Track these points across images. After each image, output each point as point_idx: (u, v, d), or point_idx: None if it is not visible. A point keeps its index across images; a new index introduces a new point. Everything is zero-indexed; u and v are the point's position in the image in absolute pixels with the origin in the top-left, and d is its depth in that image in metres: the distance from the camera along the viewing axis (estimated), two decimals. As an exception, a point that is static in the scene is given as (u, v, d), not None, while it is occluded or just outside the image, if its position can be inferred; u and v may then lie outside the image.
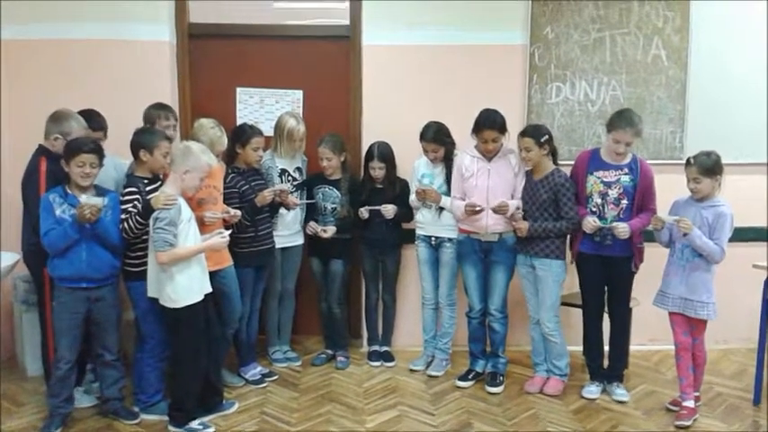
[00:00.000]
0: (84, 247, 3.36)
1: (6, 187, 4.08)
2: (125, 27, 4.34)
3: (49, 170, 3.47)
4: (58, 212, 3.33)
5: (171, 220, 3.25)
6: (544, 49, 4.46)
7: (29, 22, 4.31)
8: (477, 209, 3.86)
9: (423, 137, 4.10)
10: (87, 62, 4.36)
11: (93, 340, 3.55)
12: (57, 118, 3.55)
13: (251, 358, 4.17)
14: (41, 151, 3.56)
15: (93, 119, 3.73)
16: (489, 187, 3.92)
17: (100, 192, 3.43)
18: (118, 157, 3.80)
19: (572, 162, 4.07)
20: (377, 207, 4.17)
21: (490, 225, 3.93)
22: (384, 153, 4.22)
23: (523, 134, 3.85)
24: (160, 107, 3.94)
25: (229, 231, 3.48)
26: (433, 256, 4.25)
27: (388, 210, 4.18)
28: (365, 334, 4.62)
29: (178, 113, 4.19)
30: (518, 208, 3.90)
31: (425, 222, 4.22)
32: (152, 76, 4.38)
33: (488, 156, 3.94)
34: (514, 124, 4.10)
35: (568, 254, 3.96)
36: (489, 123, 3.85)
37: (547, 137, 3.82)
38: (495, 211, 3.86)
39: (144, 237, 3.42)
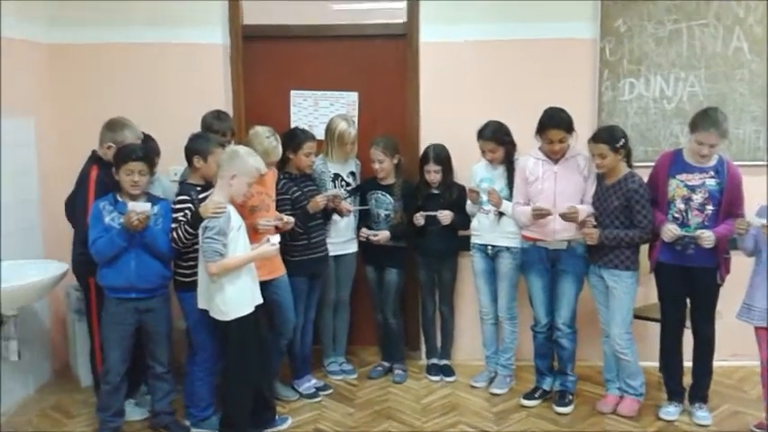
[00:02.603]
0: (133, 255, 3.33)
1: (57, 195, 4.04)
2: (177, 30, 4.29)
3: (100, 178, 3.45)
4: (107, 220, 3.31)
5: (220, 230, 3.17)
6: (616, 43, 4.23)
7: (77, 24, 4.28)
8: (545, 212, 3.64)
9: (480, 135, 3.91)
10: (139, 67, 4.32)
11: (145, 352, 3.51)
12: (112, 126, 3.55)
13: (305, 370, 4.08)
14: (93, 159, 3.56)
15: (147, 144, 3.65)
16: (556, 192, 3.71)
17: (152, 200, 3.39)
18: (160, 176, 3.76)
19: (646, 164, 3.82)
20: (433, 212, 4.00)
21: (558, 231, 3.71)
22: (440, 155, 4.05)
23: (596, 139, 3.60)
24: (218, 117, 3.87)
25: (278, 238, 3.37)
26: (490, 267, 4.04)
27: (445, 215, 4.00)
28: (423, 346, 4.45)
29: (232, 117, 4.12)
30: (590, 215, 3.67)
31: (481, 230, 4.01)
32: (205, 79, 4.32)
33: (554, 158, 3.73)
34: (584, 124, 3.89)
35: (646, 263, 3.70)
36: (555, 122, 3.65)
37: (623, 141, 3.57)
38: (564, 217, 3.62)
39: (195, 246, 3.34)
